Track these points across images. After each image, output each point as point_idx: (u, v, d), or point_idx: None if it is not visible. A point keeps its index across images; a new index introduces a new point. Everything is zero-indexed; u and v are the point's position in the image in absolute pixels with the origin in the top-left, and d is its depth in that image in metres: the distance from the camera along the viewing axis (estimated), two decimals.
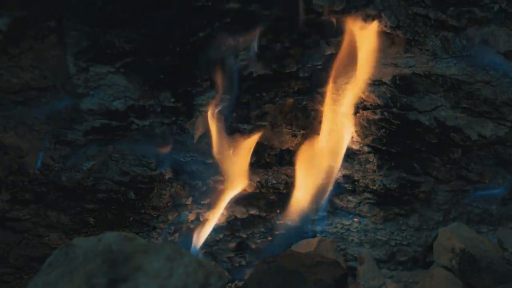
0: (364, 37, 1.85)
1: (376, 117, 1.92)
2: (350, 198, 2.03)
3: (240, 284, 1.92)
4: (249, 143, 1.92)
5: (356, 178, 1.99)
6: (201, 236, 1.97)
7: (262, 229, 2.06)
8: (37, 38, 1.74)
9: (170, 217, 1.96)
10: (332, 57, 1.88)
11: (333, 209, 2.06)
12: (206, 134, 1.90)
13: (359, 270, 1.93)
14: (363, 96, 1.93)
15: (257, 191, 2.00)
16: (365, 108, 1.94)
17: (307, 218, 2.04)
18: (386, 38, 1.87)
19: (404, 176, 1.97)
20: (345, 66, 1.89)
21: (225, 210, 2.02)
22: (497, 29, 1.76)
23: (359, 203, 2.03)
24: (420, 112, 1.90)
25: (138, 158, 1.87)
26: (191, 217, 2.00)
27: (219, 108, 1.87)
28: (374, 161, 1.97)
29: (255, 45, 1.82)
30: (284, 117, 1.95)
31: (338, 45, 1.87)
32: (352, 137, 1.97)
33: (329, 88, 1.92)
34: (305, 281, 1.56)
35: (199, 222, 1.99)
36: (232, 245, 2.07)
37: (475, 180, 1.96)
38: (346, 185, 2.01)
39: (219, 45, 1.81)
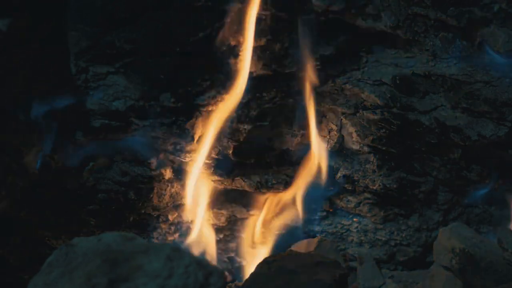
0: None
1: (376, 117, 1.92)
2: (350, 198, 2.03)
3: (240, 284, 1.92)
4: None
5: (356, 178, 1.99)
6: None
7: (262, 229, 2.06)
8: (38, 38, 1.74)
9: (170, 217, 1.96)
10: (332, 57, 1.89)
11: (333, 209, 2.06)
12: (206, 134, 1.90)
13: (359, 270, 1.93)
14: (363, 96, 1.93)
15: (257, 191, 2.00)
16: (365, 108, 1.94)
17: (306, 218, 2.04)
18: (386, 38, 1.87)
19: (404, 176, 1.97)
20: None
21: (225, 210, 2.02)
22: (497, 29, 1.76)
23: (359, 203, 2.03)
24: (420, 112, 1.90)
25: (138, 158, 1.87)
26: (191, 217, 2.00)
27: (219, 108, 1.88)
28: (374, 161, 1.97)
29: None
30: (284, 117, 1.95)
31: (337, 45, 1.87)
32: (352, 137, 1.97)
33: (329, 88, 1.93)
34: (305, 281, 1.56)
35: None
36: (232, 245, 2.07)
37: (475, 180, 1.96)
38: (346, 185, 2.01)
39: (219, 45, 1.81)
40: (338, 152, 2.00)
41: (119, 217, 1.89)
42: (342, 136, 1.98)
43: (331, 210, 2.06)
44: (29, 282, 1.18)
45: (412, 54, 1.87)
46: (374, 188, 1.98)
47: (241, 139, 1.92)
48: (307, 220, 2.05)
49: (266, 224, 2.05)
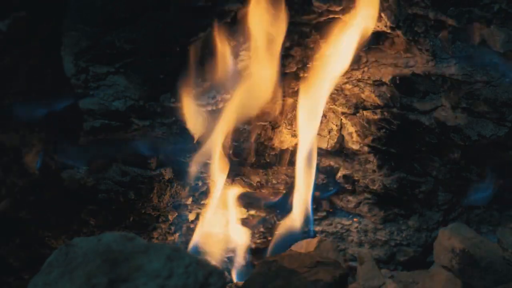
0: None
1: (376, 117, 1.92)
2: (350, 198, 2.03)
3: (240, 284, 1.92)
4: None
5: (356, 178, 1.99)
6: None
7: (262, 229, 2.06)
8: (38, 38, 1.74)
9: (170, 217, 1.96)
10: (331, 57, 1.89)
11: (333, 209, 2.06)
12: (206, 134, 1.90)
13: (359, 270, 1.93)
14: (363, 96, 1.93)
15: (257, 191, 2.00)
16: (365, 108, 1.94)
17: (307, 218, 2.04)
18: (386, 38, 1.87)
19: (404, 176, 1.97)
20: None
21: (225, 210, 2.02)
22: (497, 29, 1.76)
23: (359, 203, 2.03)
24: (420, 112, 1.90)
25: (138, 158, 1.87)
26: (191, 217, 2.00)
27: (219, 108, 1.87)
28: (374, 161, 1.97)
29: None
30: (284, 117, 1.95)
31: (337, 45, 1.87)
32: (352, 137, 1.97)
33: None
34: (305, 281, 1.56)
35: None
36: (232, 245, 2.07)
37: (475, 180, 1.96)
38: (346, 185, 2.01)
39: (220, 45, 1.81)
40: (338, 152, 2.00)
41: (119, 217, 1.89)
42: (342, 136, 1.98)
43: (331, 210, 2.06)
44: (29, 282, 1.18)
45: (412, 54, 1.87)
46: (374, 188, 1.98)
47: (241, 139, 1.92)
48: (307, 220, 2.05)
49: (265, 224, 2.05)
